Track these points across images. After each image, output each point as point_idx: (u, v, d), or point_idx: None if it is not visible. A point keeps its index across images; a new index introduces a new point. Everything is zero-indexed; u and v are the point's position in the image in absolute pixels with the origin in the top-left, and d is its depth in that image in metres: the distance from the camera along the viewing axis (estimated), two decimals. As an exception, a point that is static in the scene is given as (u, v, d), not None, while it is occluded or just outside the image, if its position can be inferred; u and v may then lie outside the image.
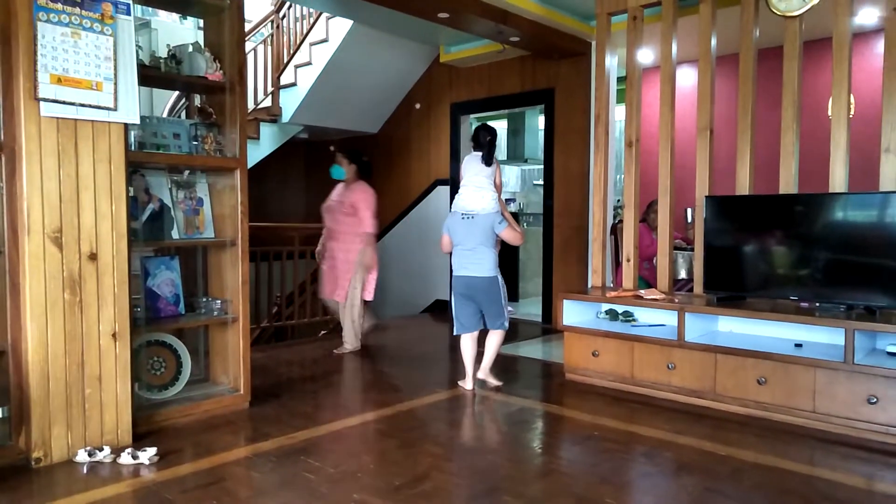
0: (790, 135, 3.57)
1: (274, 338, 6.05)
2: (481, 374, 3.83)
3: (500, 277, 3.70)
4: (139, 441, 2.79)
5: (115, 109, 2.69)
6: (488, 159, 3.70)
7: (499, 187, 3.73)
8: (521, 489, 2.44)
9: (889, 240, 3.10)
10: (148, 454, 2.61)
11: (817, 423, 3.07)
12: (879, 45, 4.05)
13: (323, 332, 6.13)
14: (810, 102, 4.92)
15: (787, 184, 3.57)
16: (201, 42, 3.33)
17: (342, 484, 2.43)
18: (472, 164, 3.73)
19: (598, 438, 2.97)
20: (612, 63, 4.45)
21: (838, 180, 3.40)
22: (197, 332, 3.52)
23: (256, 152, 6.61)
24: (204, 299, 3.36)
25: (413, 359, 4.68)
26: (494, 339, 3.78)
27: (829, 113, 3.48)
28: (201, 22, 3.51)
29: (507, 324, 3.74)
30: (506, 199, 4.17)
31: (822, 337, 3.31)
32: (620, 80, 5.55)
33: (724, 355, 3.35)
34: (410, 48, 6.71)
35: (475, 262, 3.65)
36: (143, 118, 2.88)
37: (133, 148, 2.88)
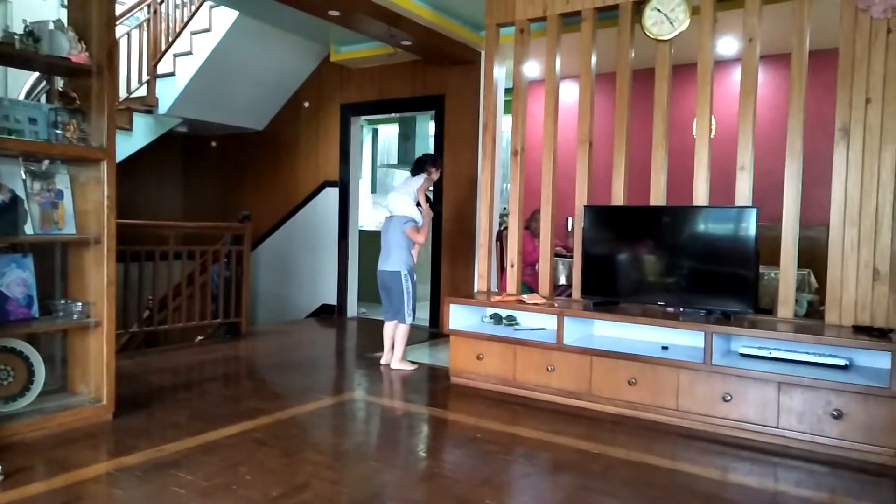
0: (660, 150, 3.82)
1: (144, 344, 5.65)
2: (394, 365, 4.36)
3: (405, 275, 4.29)
4: (-21, 460, 2.49)
5: (-43, 88, 2.39)
6: (414, 171, 4.50)
7: (419, 189, 4.38)
8: (404, 494, 2.43)
9: (742, 251, 3.40)
10: (-11, 474, 2.34)
11: (680, 420, 3.30)
12: (737, 73, 4.45)
13: (199, 337, 5.80)
14: (679, 122, 5.31)
15: (657, 196, 3.83)
16: (64, 20, 3.05)
17: (215, 497, 2.30)
18: (406, 177, 4.52)
19: (480, 441, 3.02)
20: (501, 73, 4.57)
21: (700, 194, 3.68)
22: (53, 337, 3.21)
23: (129, 144, 6.17)
24: (62, 301, 3.06)
25: (296, 365, 4.54)
26: (399, 331, 4.36)
27: (694, 132, 3.77)
28: (66, -1, 3.22)
29: (407, 319, 4.31)
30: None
31: (685, 340, 3.57)
32: (508, 90, 5.72)
33: (599, 357, 3.52)
34: (300, 45, 6.54)
35: (385, 257, 4.35)
36: (-9, 99, 2.59)
37: (-21, 132, 2.58)
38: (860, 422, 2.87)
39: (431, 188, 4.65)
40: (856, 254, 3.27)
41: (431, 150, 6.53)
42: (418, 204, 4.39)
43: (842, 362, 3.06)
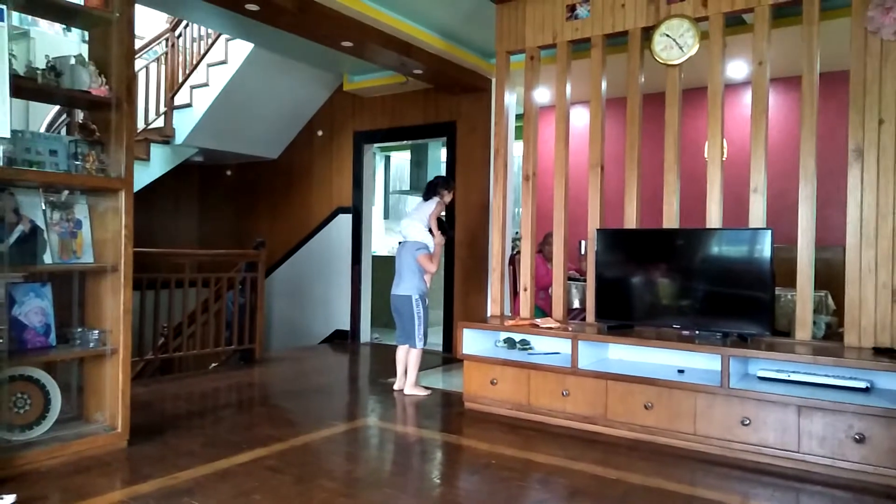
0: (672, 174, 3.82)
1: (159, 371, 5.67)
2: (407, 390, 4.34)
3: (417, 300, 4.29)
4: (-5, 488, 2.50)
5: (-19, 121, 2.46)
6: (426, 195, 4.50)
7: (431, 216, 4.39)
8: (418, 522, 2.40)
9: (757, 272, 3.37)
10: (5, 502, 2.34)
11: (698, 444, 3.25)
12: (748, 96, 4.46)
13: (214, 364, 5.83)
14: (690, 145, 5.31)
15: (670, 219, 3.82)
16: (85, 55, 3.13)
17: (229, 526, 2.29)
18: (419, 202, 4.54)
19: (495, 467, 2.98)
20: (511, 100, 4.62)
21: (714, 217, 3.67)
22: (70, 365, 3.24)
23: (146, 174, 6.28)
24: (79, 329, 3.10)
25: (309, 391, 4.54)
26: (411, 356, 4.35)
27: (706, 155, 3.76)
28: (87, 34, 3.30)
29: (418, 344, 4.30)
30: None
31: (701, 363, 3.53)
32: (519, 116, 5.76)
33: (614, 381, 3.49)
34: (313, 75, 6.66)
35: (397, 282, 4.38)
36: (14, 132, 2.65)
37: (1, 163, 2.64)
38: (884, 446, 2.80)
39: (444, 212, 4.64)
40: (873, 275, 3.23)
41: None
42: (432, 230, 4.40)
43: (863, 385, 3.01)
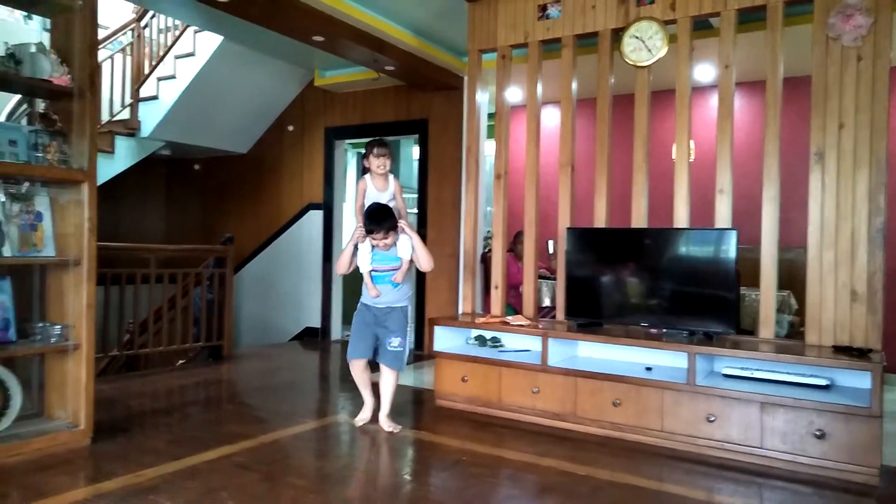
0: (641, 174, 3.88)
1: (125, 368, 5.56)
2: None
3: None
4: (-50, 488, 2.42)
5: (-63, 109, 2.37)
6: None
7: (357, 198, 3.75)
8: (388, 519, 2.39)
9: (723, 272, 3.44)
10: (-40, 503, 2.27)
11: (665, 441, 3.30)
12: (715, 99, 4.54)
13: (181, 361, 5.73)
14: (658, 146, 5.38)
15: (639, 218, 3.87)
16: (47, 44, 3.05)
17: (195, 524, 2.25)
18: None
19: (466, 463, 2.99)
20: (483, 98, 4.63)
21: (681, 216, 3.73)
22: (31, 361, 3.15)
23: (111, 167, 6.14)
24: (40, 324, 3.01)
25: (279, 388, 4.49)
26: None
27: (674, 156, 3.83)
28: (48, 22, 3.21)
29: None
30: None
31: (668, 360, 3.58)
32: (491, 115, 5.78)
33: (584, 379, 3.53)
34: (284, 69, 6.58)
35: None
36: (-28, 121, 2.57)
37: (-42, 153, 2.56)
38: (842, 441, 2.89)
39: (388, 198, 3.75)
40: (833, 275, 3.32)
41: (416, 175, 6.53)
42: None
43: (823, 382, 3.09)
